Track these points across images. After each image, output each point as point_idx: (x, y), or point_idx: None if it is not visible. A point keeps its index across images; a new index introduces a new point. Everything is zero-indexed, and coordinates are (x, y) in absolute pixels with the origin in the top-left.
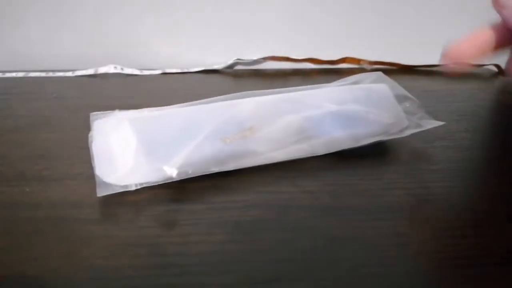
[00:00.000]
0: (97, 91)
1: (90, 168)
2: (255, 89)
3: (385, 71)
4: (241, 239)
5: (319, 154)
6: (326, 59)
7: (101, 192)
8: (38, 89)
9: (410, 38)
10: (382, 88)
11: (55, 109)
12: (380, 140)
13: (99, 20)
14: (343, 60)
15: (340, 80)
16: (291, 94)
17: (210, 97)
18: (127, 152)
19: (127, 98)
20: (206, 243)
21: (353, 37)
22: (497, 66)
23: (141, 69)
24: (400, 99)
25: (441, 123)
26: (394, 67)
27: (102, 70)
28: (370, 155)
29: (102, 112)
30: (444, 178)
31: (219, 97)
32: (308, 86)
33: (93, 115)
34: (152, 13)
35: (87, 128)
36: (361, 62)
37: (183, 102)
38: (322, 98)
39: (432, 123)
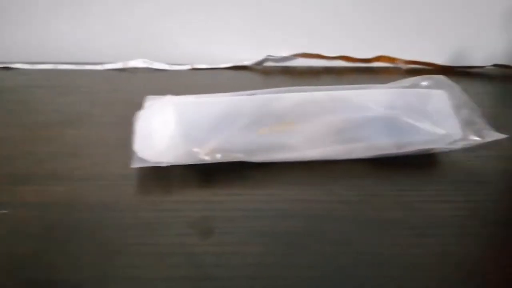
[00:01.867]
0: (126, 86)
1: (124, 168)
2: (285, 86)
3: (421, 71)
4: (278, 251)
5: (356, 158)
6: (359, 57)
7: (134, 164)
8: (68, 82)
9: (447, 38)
10: (438, 94)
11: (85, 104)
12: (427, 150)
13: (129, 13)
14: (377, 58)
15: (395, 82)
16: (338, 92)
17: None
18: (166, 133)
19: (157, 93)
20: (242, 254)
21: (388, 35)
22: None
23: (170, 64)
24: (459, 106)
25: (502, 136)
26: (430, 67)
27: (131, 64)
28: (414, 165)
29: (154, 96)
30: (493, 193)
31: (264, 90)
32: (360, 86)
33: (148, 97)
34: (183, 7)
35: (119, 125)
36: (396, 61)
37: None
38: (370, 100)
39: (491, 136)
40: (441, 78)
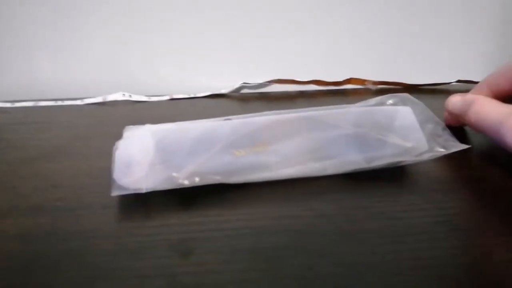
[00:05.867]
0: (106, 119)
1: (104, 197)
2: (261, 111)
3: (389, 91)
4: (260, 267)
5: (331, 174)
6: (331, 81)
7: (114, 192)
8: (48, 118)
9: (412, 57)
10: (404, 110)
11: (66, 138)
12: (396, 163)
13: (107, 48)
14: (348, 81)
15: (362, 102)
16: (309, 113)
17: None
18: (145, 159)
19: (136, 123)
20: (224, 272)
21: (356, 58)
22: None
23: (149, 96)
24: (424, 121)
25: (465, 146)
26: (398, 87)
27: (111, 97)
28: (385, 178)
29: (133, 125)
30: (461, 199)
31: (239, 115)
32: (329, 107)
33: (127, 127)
34: (160, 39)
35: (98, 156)
36: (366, 83)
37: None
38: (340, 119)
39: (456, 146)
40: (405, 95)
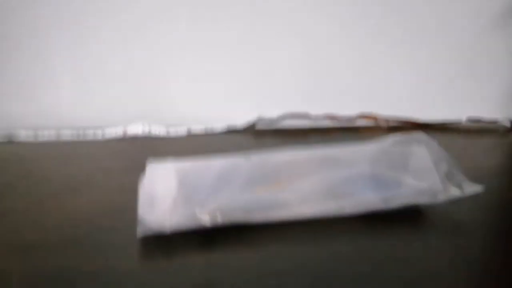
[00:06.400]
0: (127, 151)
1: (129, 233)
2: (276, 147)
3: (401, 128)
4: None
5: (347, 214)
6: (343, 116)
7: (140, 232)
8: (69, 152)
9: (424, 95)
10: (419, 151)
11: (89, 172)
12: (412, 204)
13: (128, 79)
14: (360, 116)
15: (379, 140)
16: (326, 151)
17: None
18: (168, 197)
19: (156, 157)
20: None
21: (370, 94)
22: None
23: (167, 126)
24: (438, 161)
25: (479, 187)
26: (409, 125)
27: (131, 128)
28: (402, 218)
29: (157, 161)
30: (476, 243)
31: (257, 152)
32: (345, 145)
33: (150, 161)
34: (179, 72)
35: (121, 191)
36: (377, 119)
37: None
38: (356, 158)
39: (470, 188)
40: (420, 135)
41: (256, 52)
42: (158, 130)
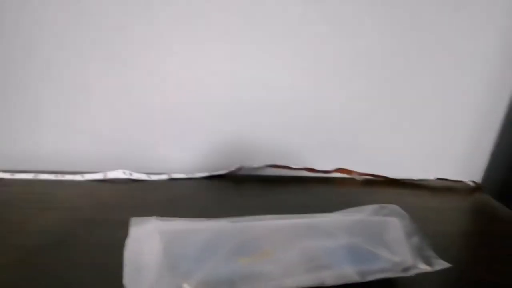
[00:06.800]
0: (108, 200)
1: None
2: (257, 196)
3: (374, 182)
4: None
5: (327, 286)
6: (321, 169)
7: None
8: (49, 196)
9: (396, 152)
10: (393, 222)
11: (68, 223)
12: (387, 278)
13: (109, 125)
14: (336, 170)
15: (355, 208)
16: (308, 220)
17: (215, 203)
18: (154, 264)
19: (138, 205)
20: None
21: (345, 150)
22: (473, 182)
23: (148, 174)
24: (410, 234)
25: (447, 265)
26: (382, 179)
27: (111, 175)
28: None
29: (140, 218)
30: None
31: (243, 218)
32: (325, 214)
33: (133, 219)
34: (160, 119)
35: (102, 249)
36: (352, 173)
37: (191, 208)
38: (336, 227)
39: (438, 264)
40: (395, 207)
41: (239, 106)
42: (139, 176)
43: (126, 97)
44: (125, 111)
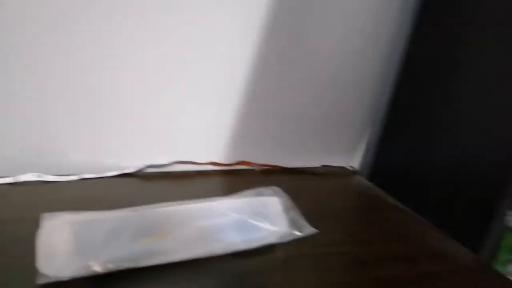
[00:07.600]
0: (20, 201)
1: (29, 283)
2: (164, 191)
3: (270, 171)
4: None
5: (217, 254)
6: (224, 163)
7: (39, 280)
8: None
9: (291, 147)
10: (274, 201)
11: None
12: (268, 244)
13: (17, 127)
14: (238, 163)
15: (245, 192)
16: (203, 204)
17: (126, 199)
18: (64, 250)
19: (49, 205)
20: None
21: (246, 145)
22: (351, 167)
23: (59, 175)
24: (287, 209)
25: (315, 230)
26: (277, 169)
27: (22, 178)
28: (259, 255)
29: (51, 213)
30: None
31: (144, 206)
32: (218, 198)
33: (45, 215)
34: (70, 120)
35: (17, 243)
36: (252, 165)
37: (101, 205)
38: (227, 208)
39: (307, 230)
40: (276, 189)
41: (148, 103)
42: (49, 178)
43: (34, 100)
44: (34, 113)
